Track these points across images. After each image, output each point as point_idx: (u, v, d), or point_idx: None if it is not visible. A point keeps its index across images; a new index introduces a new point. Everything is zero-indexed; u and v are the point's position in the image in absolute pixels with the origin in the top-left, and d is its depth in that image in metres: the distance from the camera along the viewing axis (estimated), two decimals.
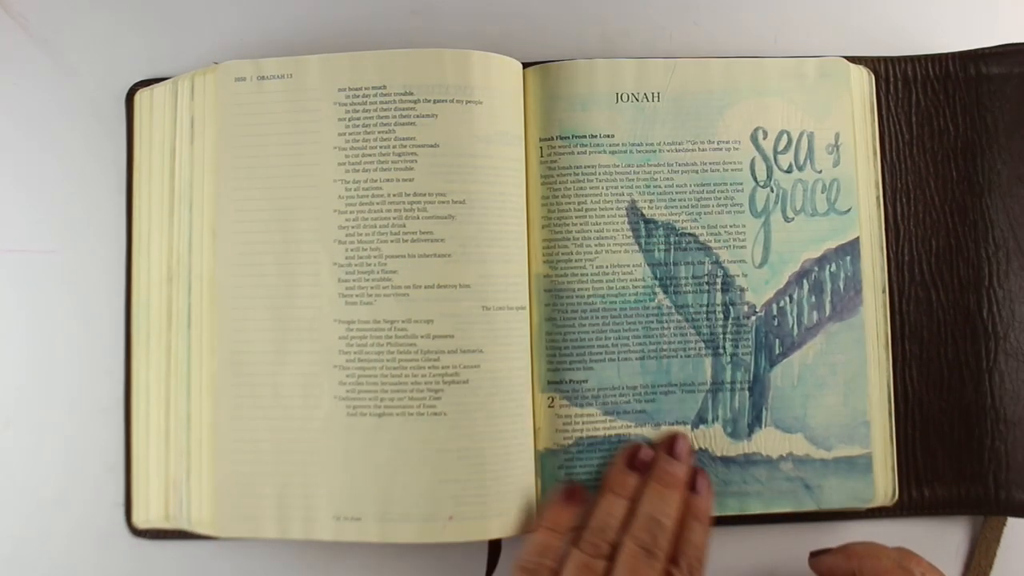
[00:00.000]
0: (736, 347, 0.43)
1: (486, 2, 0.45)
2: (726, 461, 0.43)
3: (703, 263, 0.43)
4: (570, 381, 0.43)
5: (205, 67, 0.44)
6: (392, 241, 0.42)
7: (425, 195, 0.42)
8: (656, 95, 0.43)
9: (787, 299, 0.43)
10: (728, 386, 0.43)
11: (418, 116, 0.42)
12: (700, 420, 0.43)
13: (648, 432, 0.42)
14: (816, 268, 0.43)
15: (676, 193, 0.43)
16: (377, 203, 0.42)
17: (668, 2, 0.46)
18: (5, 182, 0.47)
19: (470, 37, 0.47)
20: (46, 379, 0.46)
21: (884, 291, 0.44)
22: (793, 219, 0.44)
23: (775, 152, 0.44)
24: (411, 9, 0.47)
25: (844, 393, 0.43)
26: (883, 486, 0.43)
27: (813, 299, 0.43)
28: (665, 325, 0.43)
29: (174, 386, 0.44)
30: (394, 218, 0.42)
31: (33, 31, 0.47)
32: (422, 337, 0.41)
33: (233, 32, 0.47)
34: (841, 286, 0.43)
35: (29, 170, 0.47)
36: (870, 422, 0.43)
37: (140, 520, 0.45)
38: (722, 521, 0.42)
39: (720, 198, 0.43)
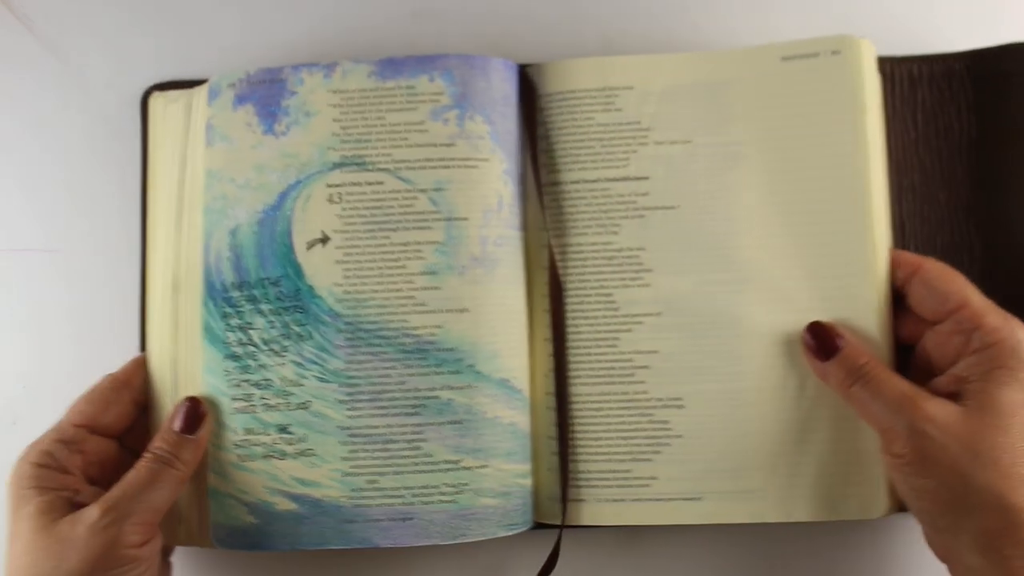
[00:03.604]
0: None
1: (486, 3, 0.45)
2: None
3: None
4: None
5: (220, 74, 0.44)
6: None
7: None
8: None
9: None
10: None
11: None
12: None
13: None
14: None
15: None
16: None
17: (667, 3, 0.46)
18: (10, 182, 0.48)
19: (470, 38, 0.47)
20: (54, 376, 0.46)
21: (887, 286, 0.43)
22: None
23: None
24: (412, 11, 0.48)
25: None
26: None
27: None
28: None
29: (183, 393, 0.43)
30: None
31: (39, 32, 0.48)
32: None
33: (238, 34, 0.48)
34: None
35: (34, 171, 0.48)
36: None
37: None
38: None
39: None
